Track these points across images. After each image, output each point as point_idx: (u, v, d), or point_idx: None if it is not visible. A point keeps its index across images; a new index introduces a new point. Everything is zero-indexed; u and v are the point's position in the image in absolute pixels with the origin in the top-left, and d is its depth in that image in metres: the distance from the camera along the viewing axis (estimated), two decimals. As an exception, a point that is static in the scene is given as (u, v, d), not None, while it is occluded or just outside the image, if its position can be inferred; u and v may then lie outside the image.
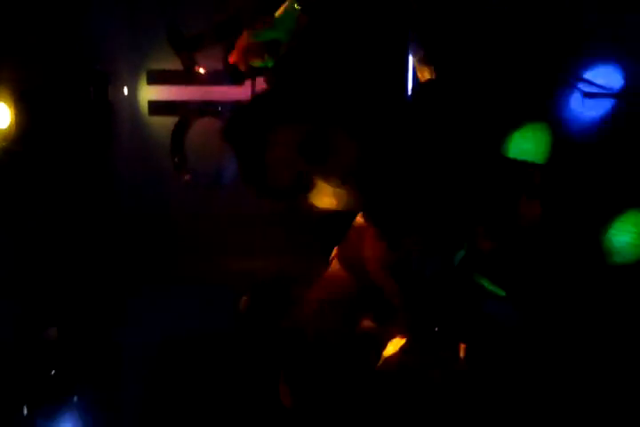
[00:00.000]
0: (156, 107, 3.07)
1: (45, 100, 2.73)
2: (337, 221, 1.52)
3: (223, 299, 2.62)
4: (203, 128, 3.10)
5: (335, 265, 1.64)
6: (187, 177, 3.09)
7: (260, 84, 3.00)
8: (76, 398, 2.32)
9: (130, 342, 2.72)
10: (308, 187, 1.32)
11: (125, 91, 3.02)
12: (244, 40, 1.76)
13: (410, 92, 1.55)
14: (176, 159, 3.10)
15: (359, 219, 1.58)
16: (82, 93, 2.81)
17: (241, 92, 3.05)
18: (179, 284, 2.85)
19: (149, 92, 3.06)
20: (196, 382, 2.62)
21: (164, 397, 2.67)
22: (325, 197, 1.36)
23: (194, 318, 2.70)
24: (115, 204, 2.97)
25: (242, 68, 1.82)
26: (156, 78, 3.05)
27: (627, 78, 1.55)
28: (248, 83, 3.06)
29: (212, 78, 3.07)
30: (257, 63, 1.79)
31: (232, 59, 1.81)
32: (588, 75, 1.51)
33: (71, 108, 2.80)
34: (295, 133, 1.28)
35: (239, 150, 1.35)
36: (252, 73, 2.95)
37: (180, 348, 2.73)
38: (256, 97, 1.39)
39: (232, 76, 3.01)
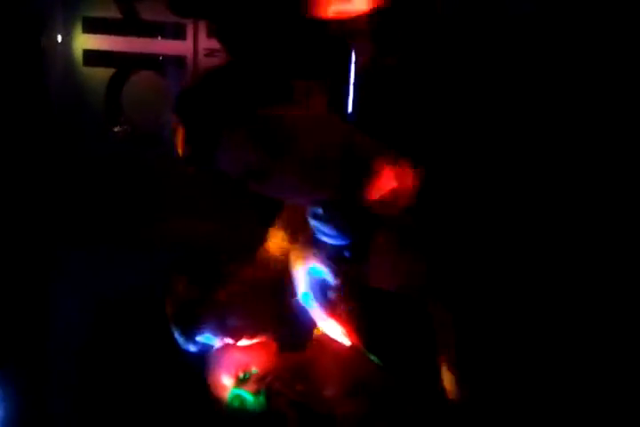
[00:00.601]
0: (92, 57, 2.92)
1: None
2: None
3: (158, 261, 2.59)
4: (141, 81, 2.99)
5: (269, 245, 1.63)
6: (118, 128, 2.98)
7: (203, 38, 2.94)
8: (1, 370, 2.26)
9: (60, 305, 2.66)
10: (263, 177, 1.28)
11: (59, 38, 2.85)
12: None
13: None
14: (109, 111, 2.98)
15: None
16: (11, 40, 2.65)
17: (183, 46, 2.95)
18: (111, 244, 2.78)
19: (85, 41, 2.90)
20: (129, 349, 2.59)
21: (96, 364, 2.63)
22: (278, 191, 1.34)
23: (128, 280, 2.65)
24: (47, 157, 2.84)
25: None
26: (93, 26, 2.89)
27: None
28: (190, 36, 2.96)
29: (153, 30, 2.94)
30: None
31: None
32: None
33: (-1, 54, 2.64)
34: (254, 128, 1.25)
35: (191, 132, 1.30)
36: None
37: (113, 311, 2.68)
38: (209, 76, 1.33)
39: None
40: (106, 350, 2.65)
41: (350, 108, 1.92)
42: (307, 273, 1.43)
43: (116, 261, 2.69)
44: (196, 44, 2.93)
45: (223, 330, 1.58)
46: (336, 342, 1.47)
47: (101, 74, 2.93)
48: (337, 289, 1.40)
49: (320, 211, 1.32)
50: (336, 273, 1.38)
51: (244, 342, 1.60)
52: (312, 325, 1.53)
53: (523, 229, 1.31)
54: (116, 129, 2.97)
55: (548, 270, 1.29)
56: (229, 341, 1.60)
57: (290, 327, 1.57)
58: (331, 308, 1.42)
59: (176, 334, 1.59)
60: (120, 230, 2.82)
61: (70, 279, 2.69)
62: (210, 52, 2.90)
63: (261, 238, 1.67)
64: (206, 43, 2.89)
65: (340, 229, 1.31)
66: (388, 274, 1.32)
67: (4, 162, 2.70)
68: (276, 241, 1.60)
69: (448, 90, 1.49)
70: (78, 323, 2.68)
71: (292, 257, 1.50)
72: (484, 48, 1.49)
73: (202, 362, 1.66)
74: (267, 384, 1.52)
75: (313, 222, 1.36)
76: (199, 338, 1.58)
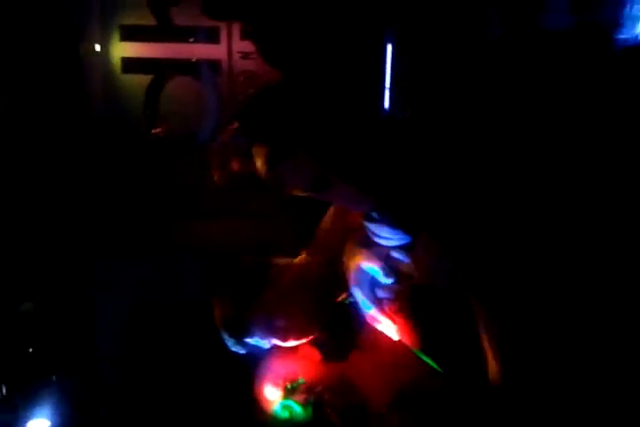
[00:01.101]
0: (130, 64, 2.98)
1: (12, 56, 2.64)
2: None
3: (196, 265, 2.62)
4: (177, 85, 3.03)
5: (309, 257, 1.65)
6: (156, 130, 3.02)
7: (237, 41, 2.97)
8: (54, 377, 2.32)
9: (104, 313, 2.72)
10: (325, 187, 1.31)
11: (97, 47, 2.91)
12: None
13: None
14: (147, 112, 3.02)
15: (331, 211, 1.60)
16: (51, 50, 2.70)
17: (217, 50, 2.98)
18: (151, 250, 2.83)
19: (122, 49, 2.96)
20: (171, 351, 2.64)
21: (140, 368, 2.69)
22: (340, 198, 1.37)
23: (168, 285, 2.69)
24: (87, 165, 2.90)
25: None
26: (130, 34, 2.95)
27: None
28: (224, 40, 2.99)
29: (188, 34, 2.98)
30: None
31: None
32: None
33: (41, 64, 2.70)
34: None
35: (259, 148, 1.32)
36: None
37: (154, 317, 2.74)
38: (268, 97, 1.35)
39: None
40: (147, 350, 2.71)
41: (387, 107, 1.92)
42: (358, 272, 1.46)
43: (152, 266, 2.74)
44: (230, 48, 2.96)
45: (271, 331, 1.60)
46: (380, 350, 1.49)
47: (139, 80, 2.98)
48: (388, 288, 1.43)
49: (375, 215, 1.37)
50: (387, 273, 1.43)
51: (291, 343, 1.62)
52: (357, 330, 1.55)
53: (549, 238, 1.32)
54: (153, 131, 3.01)
55: (574, 274, 1.29)
56: (277, 342, 1.62)
57: (335, 329, 1.59)
58: (379, 306, 1.45)
59: (225, 337, 1.62)
60: (154, 235, 2.86)
61: (109, 286, 2.75)
62: (244, 55, 2.93)
63: (302, 243, 1.70)
64: (240, 45, 2.92)
65: (393, 231, 1.36)
66: (432, 274, 1.36)
67: (45, 168, 2.76)
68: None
69: (483, 97, 1.51)
70: (120, 327, 2.74)
71: (345, 256, 1.53)
72: (521, 62, 1.50)
73: (237, 357, 1.67)
74: (316, 395, 1.53)
75: (368, 225, 1.41)
76: (248, 340, 1.61)
